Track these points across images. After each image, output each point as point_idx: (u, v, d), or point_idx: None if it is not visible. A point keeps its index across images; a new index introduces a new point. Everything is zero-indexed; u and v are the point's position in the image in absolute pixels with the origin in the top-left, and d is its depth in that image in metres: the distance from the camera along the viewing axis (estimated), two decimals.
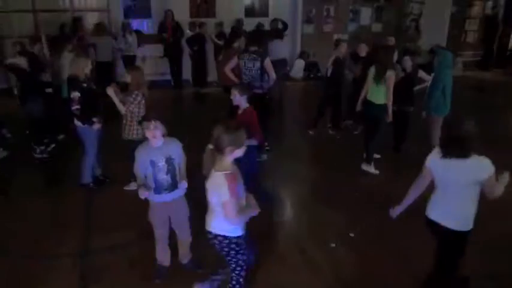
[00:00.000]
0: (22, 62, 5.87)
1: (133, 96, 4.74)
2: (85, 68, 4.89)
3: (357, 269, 3.83)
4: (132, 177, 5.01)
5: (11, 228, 4.39)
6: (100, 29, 8.91)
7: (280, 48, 8.36)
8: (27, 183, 5.38)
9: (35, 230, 4.36)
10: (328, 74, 6.84)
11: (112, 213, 4.63)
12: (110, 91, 4.71)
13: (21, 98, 6.01)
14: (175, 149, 3.32)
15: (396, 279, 3.68)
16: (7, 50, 8.33)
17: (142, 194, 3.21)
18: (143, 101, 4.80)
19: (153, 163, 3.23)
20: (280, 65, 7.81)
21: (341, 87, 6.90)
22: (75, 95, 4.75)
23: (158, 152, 3.23)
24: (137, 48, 9.43)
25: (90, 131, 4.92)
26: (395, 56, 5.85)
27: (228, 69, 5.96)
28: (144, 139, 3.39)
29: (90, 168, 5.17)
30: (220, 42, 9.32)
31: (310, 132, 7.16)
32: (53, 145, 6.19)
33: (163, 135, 3.26)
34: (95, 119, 4.89)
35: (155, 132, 3.17)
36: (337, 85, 6.85)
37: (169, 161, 3.26)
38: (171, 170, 3.28)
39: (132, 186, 5.07)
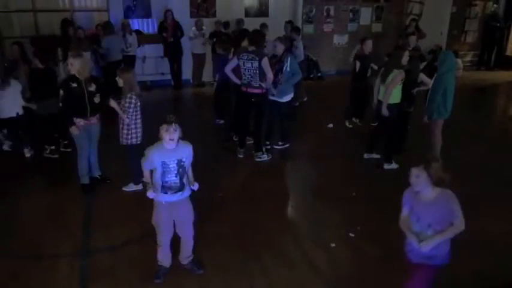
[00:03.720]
0: (36, 62, 5.91)
1: (128, 100, 4.71)
2: (70, 67, 4.78)
3: (357, 269, 3.83)
4: (133, 178, 5.04)
5: (11, 228, 4.39)
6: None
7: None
8: (27, 184, 5.39)
9: (35, 230, 4.36)
10: (357, 69, 7.20)
11: (112, 214, 4.63)
12: (113, 103, 4.82)
13: (33, 98, 6.00)
14: (187, 152, 3.33)
15: (396, 278, 3.68)
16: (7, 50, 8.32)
17: (150, 194, 3.32)
18: (138, 103, 4.78)
19: (164, 164, 3.25)
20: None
21: (367, 82, 7.14)
22: (60, 93, 4.84)
23: (171, 154, 3.25)
24: (137, 48, 9.45)
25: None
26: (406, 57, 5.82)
27: (228, 69, 5.96)
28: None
29: (84, 169, 5.06)
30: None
31: (348, 124, 7.51)
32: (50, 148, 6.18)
33: (179, 139, 3.27)
34: (77, 120, 4.80)
35: (174, 135, 3.18)
36: (363, 79, 7.18)
37: (180, 163, 3.27)
38: (181, 172, 3.30)
39: (131, 187, 5.08)
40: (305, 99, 8.76)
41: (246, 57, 5.68)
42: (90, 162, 5.16)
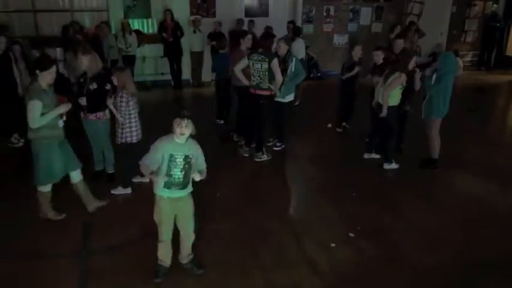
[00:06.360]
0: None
1: (119, 98, 4.72)
2: (80, 64, 4.98)
3: (357, 269, 3.83)
4: (121, 180, 5.07)
5: (10, 228, 4.38)
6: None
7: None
8: (27, 183, 5.38)
9: (34, 230, 4.36)
10: (343, 77, 6.99)
11: (112, 214, 4.63)
12: (109, 102, 4.84)
13: None
14: (195, 150, 3.36)
15: (396, 278, 3.68)
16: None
17: (160, 179, 3.26)
18: (133, 101, 4.76)
19: (171, 157, 3.27)
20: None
21: (354, 88, 6.98)
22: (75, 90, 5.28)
23: (180, 148, 3.28)
24: (137, 48, 9.46)
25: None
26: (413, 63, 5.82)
27: (237, 69, 5.92)
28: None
29: (94, 158, 5.36)
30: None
31: (338, 129, 7.28)
32: None
33: (191, 135, 3.30)
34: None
35: (185, 131, 3.22)
36: (352, 85, 6.95)
37: (187, 159, 3.29)
38: (186, 168, 3.31)
39: (120, 190, 5.06)
40: (297, 103, 8.60)
41: (255, 58, 5.67)
42: (104, 157, 5.34)
